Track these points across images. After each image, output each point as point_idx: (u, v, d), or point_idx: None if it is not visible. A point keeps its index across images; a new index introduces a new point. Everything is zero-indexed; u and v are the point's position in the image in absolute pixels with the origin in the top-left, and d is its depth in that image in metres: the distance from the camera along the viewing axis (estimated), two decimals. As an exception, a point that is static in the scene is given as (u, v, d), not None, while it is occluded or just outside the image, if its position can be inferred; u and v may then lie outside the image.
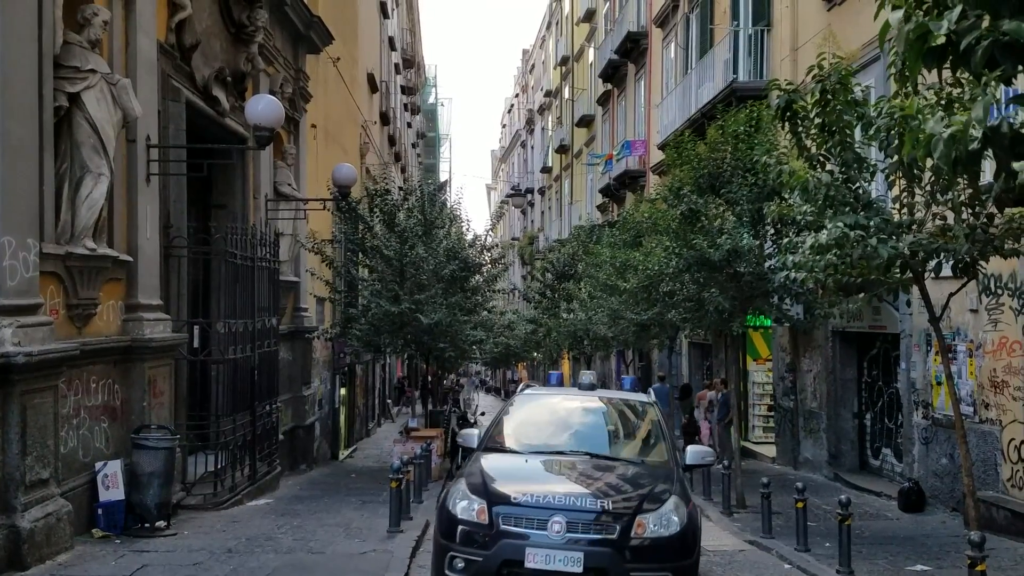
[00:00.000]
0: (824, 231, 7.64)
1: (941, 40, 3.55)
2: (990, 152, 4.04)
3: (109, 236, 8.41)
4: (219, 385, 10.62)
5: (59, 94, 7.58)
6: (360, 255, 18.21)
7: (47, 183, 7.40)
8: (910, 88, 5.57)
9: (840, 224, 7.55)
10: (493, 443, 7.31)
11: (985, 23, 3.42)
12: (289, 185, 14.84)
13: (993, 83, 3.74)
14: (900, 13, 3.87)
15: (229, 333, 10.42)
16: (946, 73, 4.91)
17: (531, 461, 6.93)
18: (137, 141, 8.94)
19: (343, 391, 21.63)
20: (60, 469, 7.39)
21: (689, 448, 7.31)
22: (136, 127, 8.83)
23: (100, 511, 8.08)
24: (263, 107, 10.29)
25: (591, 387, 8.10)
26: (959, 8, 3.49)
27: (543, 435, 7.51)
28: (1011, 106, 4.57)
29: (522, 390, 8.59)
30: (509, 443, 7.34)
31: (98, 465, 8.17)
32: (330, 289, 17.70)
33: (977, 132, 3.83)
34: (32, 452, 6.83)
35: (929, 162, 5.02)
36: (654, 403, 7.90)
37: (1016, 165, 5.99)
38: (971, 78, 3.95)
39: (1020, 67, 3.49)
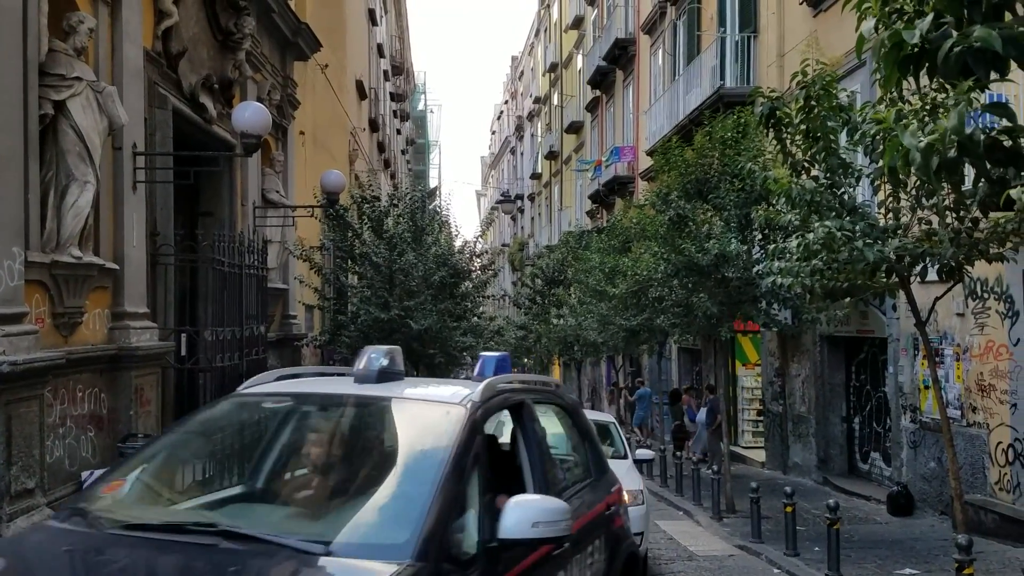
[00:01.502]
0: (812, 232, 7.68)
1: (915, 48, 3.59)
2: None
3: (95, 244, 8.37)
4: (207, 393, 10.55)
5: (44, 102, 7.53)
6: (349, 262, 18.19)
7: (32, 191, 7.36)
8: (894, 93, 5.63)
9: (828, 224, 7.59)
10: (97, 497, 3.89)
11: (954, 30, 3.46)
12: (277, 192, 14.80)
13: (970, 90, 3.78)
14: (872, 23, 3.91)
15: (217, 341, 10.38)
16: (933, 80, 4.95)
17: (93, 547, 3.42)
18: (123, 149, 8.90)
19: (332, 398, 21.53)
20: (46, 479, 7.33)
21: (513, 502, 3.57)
22: (122, 135, 8.79)
23: (87, 521, 8.02)
24: (250, 114, 10.26)
25: (378, 377, 4.20)
26: (930, 16, 3.52)
27: (191, 483, 4.16)
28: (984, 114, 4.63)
29: (254, 382, 4.72)
30: (117, 497, 3.88)
31: (84, 474, 8.09)
32: (319, 296, 17.66)
33: (952, 142, 3.88)
34: (17, 462, 6.78)
35: (911, 169, 5.07)
36: (473, 411, 3.89)
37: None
38: (958, 87, 4.00)
39: (992, 73, 3.53)
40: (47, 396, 7.35)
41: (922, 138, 4.07)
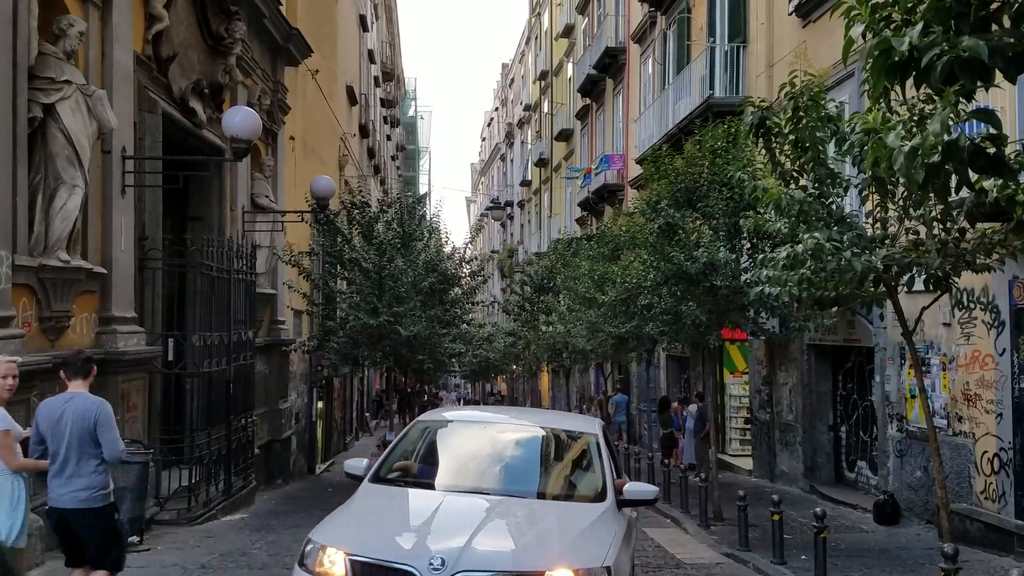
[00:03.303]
0: (800, 243, 7.71)
1: (903, 56, 3.62)
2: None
3: (83, 248, 8.34)
4: (194, 399, 10.52)
5: (34, 105, 7.52)
6: (338, 267, 18.17)
7: (20, 194, 7.33)
8: (883, 105, 5.67)
9: (816, 235, 7.62)
10: None
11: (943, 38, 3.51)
12: (267, 197, 14.79)
13: (954, 97, 3.81)
14: (861, 28, 3.95)
15: (204, 346, 10.35)
16: (921, 90, 5.00)
17: None
18: (112, 152, 8.88)
19: (320, 404, 21.50)
20: (31, 483, 7.28)
21: None
22: (111, 138, 8.78)
23: (72, 526, 7.96)
24: (240, 119, 10.26)
25: None
26: (920, 24, 3.56)
27: None
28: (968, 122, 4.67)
29: None
30: None
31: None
32: (308, 302, 17.63)
33: (936, 147, 3.92)
34: (2, 467, 6.73)
35: (895, 170, 5.11)
36: None
37: (986, 183, 6.09)
38: (945, 94, 4.06)
39: (978, 83, 3.57)
40: (33, 400, 7.30)
41: (907, 142, 4.11)
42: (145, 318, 9.98)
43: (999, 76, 3.68)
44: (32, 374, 7.11)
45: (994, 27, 3.65)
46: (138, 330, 9.43)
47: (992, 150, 4.17)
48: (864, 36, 4.12)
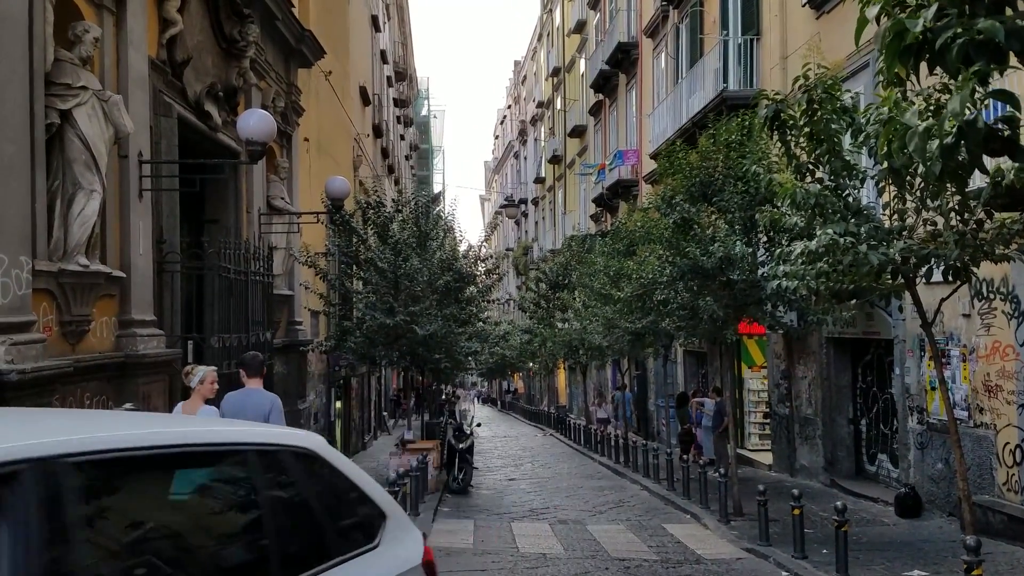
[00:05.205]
0: (815, 239, 7.67)
1: (917, 38, 3.60)
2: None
3: (102, 252, 8.40)
4: (215, 400, 10.57)
5: (50, 111, 7.57)
6: (354, 267, 18.23)
7: (39, 200, 7.39)
8: (898, 94, 5.63)
9: (830, 231, 7.58)
10: None
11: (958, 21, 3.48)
12: (282, 199, 14.85)
13: (972, 78, 3.78)
14: (876, 9, 3.93)
15: (223, 348, 10.40)
16: (935, 78, 4.96)
17: None
18: (129, 157, 8.94)
19: (338, 404, 21.60)
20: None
21: None
22: (128, 143, 8.83)
23: (95, 528, 8.03)
24: (255, 121, 10.30)
25: None
26: (935, 6, 3.54)
27: None
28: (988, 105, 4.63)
29: None
30: None
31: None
32: (324, 302, 17.70)
33: (952, 126, 3.89)
34: (26, 470, 6.80)
35: (920, 168, 5.06)
36: None
37: (1004, 167, 6.04)
38: (959, 81, 4.02)
39: (994, 65, 3.54)
40: (55, 404, 7.37)
41: (922, 122, 4.08)
42: (164, 321, 10.04)
43: (1014, 59, 3.65)
44: (53, 378, 7.17)
45: (1008, 10, 3.62)
46: (157, 333, 9.49)
47: (1007, 132, 4.14)
48: (879, 19, 4.09)
